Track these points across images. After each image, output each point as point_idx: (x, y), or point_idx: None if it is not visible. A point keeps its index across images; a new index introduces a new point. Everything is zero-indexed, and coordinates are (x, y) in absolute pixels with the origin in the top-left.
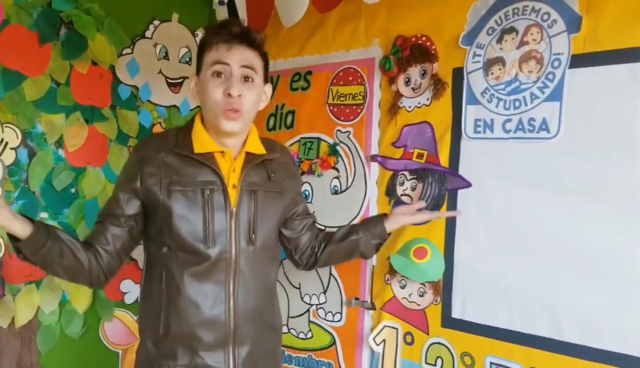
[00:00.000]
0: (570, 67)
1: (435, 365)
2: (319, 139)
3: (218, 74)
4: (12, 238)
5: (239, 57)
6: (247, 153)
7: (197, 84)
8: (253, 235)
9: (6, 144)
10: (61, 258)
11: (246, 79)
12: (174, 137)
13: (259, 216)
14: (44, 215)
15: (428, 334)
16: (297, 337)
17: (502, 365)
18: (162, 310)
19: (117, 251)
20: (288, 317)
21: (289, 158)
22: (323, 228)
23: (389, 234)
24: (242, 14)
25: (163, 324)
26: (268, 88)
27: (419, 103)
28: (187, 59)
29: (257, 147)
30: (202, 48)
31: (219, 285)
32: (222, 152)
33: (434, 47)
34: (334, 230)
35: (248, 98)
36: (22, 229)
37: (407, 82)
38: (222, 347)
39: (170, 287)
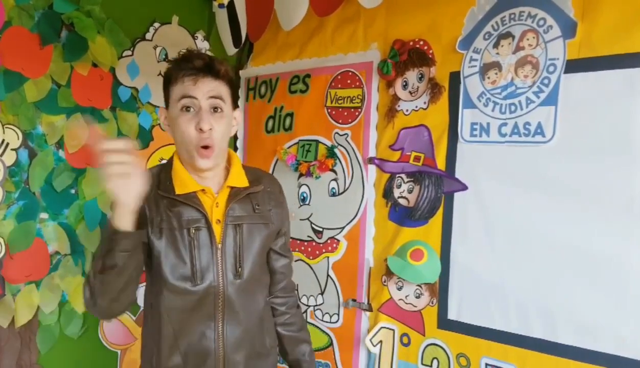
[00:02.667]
0: (565, 72)
1: (431, 366)
2: (317, 142)
3: (187, 108)
4: (113, 230)
5: (206, 89)
6: (231, 187)
7: (167, 117)
8: (240, 269)
9: (7, 144)
10: (133, 269)
11: (215, 109)
12: (157, 177)
13: (244, 249)
14: (44, 215)
15: (424, 335)
16: None
17: (497, 367)
18: (156, 340)
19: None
20: None
21: (275, 187)
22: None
23: None
24: (242, 17)
25: (156, 354)
26: (238, 113)
27: (416, 106)
28: None
29: (239, 180)
30: (167, 82)
31: (208, 317)
32: (203, 189)
33: (431, 51)
34: (298, 321)
35: (218, 130)
36: (132, 221)
37: (405, 86)
38: None
39: (163, 319)
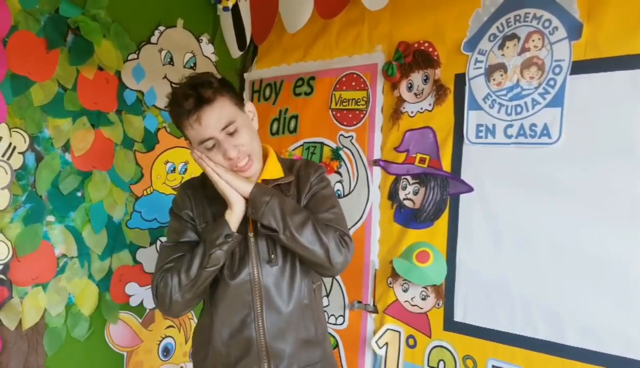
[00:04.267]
0: (571, 74)
1: None
2: (322, 144)
3: (209, 148)
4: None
5: (213, 122)
6: (264, 180)
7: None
8: (273, 255)
9: (14, 148)
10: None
11: (230, 133)
12: (202, 180)
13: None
14: (50, 218)
15: (430, 337)
16: None
17: None
18: (204, 336)
19: None
20: None
21: (308, 170)
22: None
23: None
24: (246, 20)
25: (204, 349)
26: (249, 106)
27: (422, 108)
28: (192, 64)
29: (273, 173)
30: (178, 125)
31: (246, 306)
32: None
33: (436, 53)
34: None
35: (245, 142)
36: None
37: (410, 88)
38: (257, 364)
39: (210, 312)
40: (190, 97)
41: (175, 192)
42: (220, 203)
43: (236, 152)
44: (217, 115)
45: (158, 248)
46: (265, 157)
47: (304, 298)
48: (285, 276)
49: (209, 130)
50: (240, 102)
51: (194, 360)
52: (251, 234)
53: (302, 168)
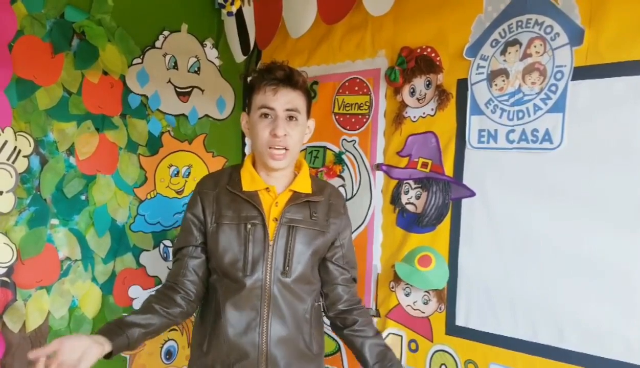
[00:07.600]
0: (572, 79)
1: None
2: (325, 148)
3: (265, 115)
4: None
5: (284, 100)
6: (294, 191)
7: (247, 122)
8: (287, 268)
9: (19, 151)
10: (155, 334)
11: (291, 118)
12: (228, 176)
13: (295, 250)
14: (54, 221)
15: (432, 342)
16: None
17: None
18: (208, 330)
19: (201, 279)
20: None
21: (339, 201)
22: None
23: None
24: (250, 24)
25: (207, 343)
26: (311, 122)
27: (424, 113)
28: (196, 69)
29: (304, 187)
30: (251, 90)
31: (254, 310)
32: (267, 188)
33: (438, 58)
34: (370, 325)
35: (293, 136)
36: (104, 349)
37: (412, 93)
38: (255, 367)
39: (216, 310)
40: (284, 72)
41: (178, 196)
42: (239, 202)
43: (283, 133)
44: (290, 97)
45: (161, 252)
46: (298, 169)
47: (306, 312)
48: (294, 289)
49: (277, 103)
50: (309, 112)
51: (194, 351)
52: (271, 242)
53: (334, 196)
